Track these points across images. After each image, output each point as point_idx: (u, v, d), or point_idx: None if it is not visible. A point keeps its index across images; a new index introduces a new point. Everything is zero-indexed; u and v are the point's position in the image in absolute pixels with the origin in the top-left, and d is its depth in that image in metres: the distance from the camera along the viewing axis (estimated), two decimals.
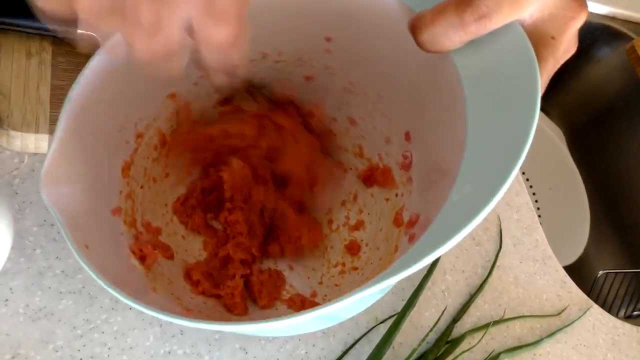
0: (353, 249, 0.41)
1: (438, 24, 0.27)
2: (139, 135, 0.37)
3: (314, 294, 0.39)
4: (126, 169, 0.36)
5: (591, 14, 0.78)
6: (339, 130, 0.44)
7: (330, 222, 0.43)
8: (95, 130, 0.32)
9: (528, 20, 0.27)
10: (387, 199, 0.41)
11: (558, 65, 0.28)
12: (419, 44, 0.28)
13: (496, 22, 0.26)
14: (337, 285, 0.39)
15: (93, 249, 0.28)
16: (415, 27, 0.28)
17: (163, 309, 0.25)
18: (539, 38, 0.27)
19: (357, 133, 0.43)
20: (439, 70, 0.31)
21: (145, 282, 0.32)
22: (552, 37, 0.27)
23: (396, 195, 0.40)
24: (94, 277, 0.26)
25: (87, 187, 0.31)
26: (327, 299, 0.38)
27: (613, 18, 0.78)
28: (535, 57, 0.26)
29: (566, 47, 0.28)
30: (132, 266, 0.32)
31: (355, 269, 0.40)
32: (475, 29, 0.26)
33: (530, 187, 0.78)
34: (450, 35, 0.27)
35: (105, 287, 0.26)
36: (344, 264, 0.40)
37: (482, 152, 0.26)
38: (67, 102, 0.30)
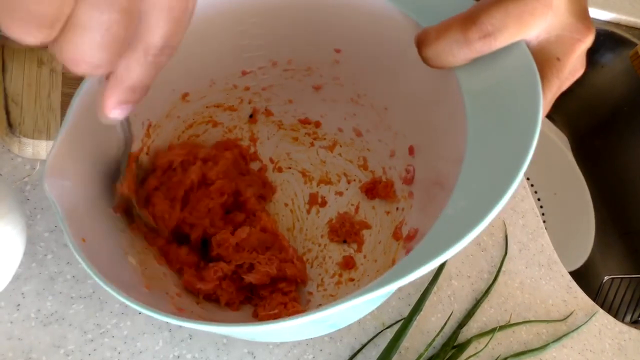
0: (348, 263, 0.41)
1: (443, 41, 0.27)
2: (147, 135, 0.37)
3: (307, 302, 0.39)
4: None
5: (595, 20, 0.78)
6: (344, 141, 0.45)
7: None
8: (103, 126, 0.32)
9: (534, 40, 0.27)
10: (388, 212, 0.41)
11: (564, 87, 0.28)
12: (423, 59, 0.28)
13: (501, 42, 0.26)
14: (332, 296, 0.39)
15: (90, 244, 0.28)
16: (420, 43, 0.28)
17: (155, 307, 0.25)
18: (544, 59, 0.27)
19: (362, 145, 0.44)
20: (442, 85, 0.31)
21: (140, 279, 0.32)
22: (558, 59, 0.27)
23: (397, 209, 0.40)
24: (88, 270, 0.26)
25: (90, 181, 0.31)
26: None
27: (617, 24, 0.79)
28: (539, 77, 0.25)
29: (572, 68, 0.28)
30: (129, 263, 0.32)
31: (352, 280, 0.39)
32: (480, 47, 0.26)
33: (535, 192, 0.78)
34: (455, 52, 0.27)
35: (98, 281, 0.26)
36: (340, 275, 0.40)
37: (479, 170, 0.26)
38: (76, 97, 0.30)
